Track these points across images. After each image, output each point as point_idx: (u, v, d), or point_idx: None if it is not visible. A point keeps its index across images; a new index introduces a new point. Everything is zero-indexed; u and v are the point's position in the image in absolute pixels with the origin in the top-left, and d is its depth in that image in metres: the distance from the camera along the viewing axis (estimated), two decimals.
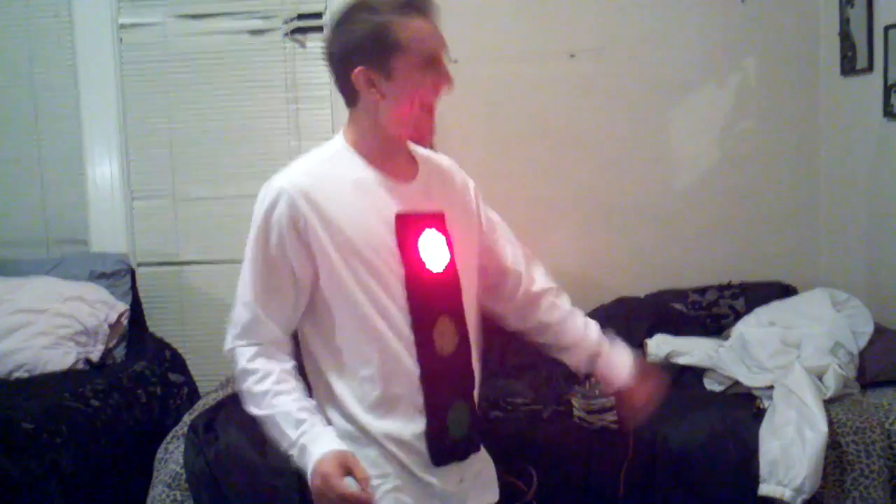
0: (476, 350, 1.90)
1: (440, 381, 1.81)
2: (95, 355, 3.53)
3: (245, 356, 1.79)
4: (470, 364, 1.87)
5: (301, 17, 4.00)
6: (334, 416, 1.82)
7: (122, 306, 3.72)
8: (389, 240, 1.78)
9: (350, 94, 1.81)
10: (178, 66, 4.06)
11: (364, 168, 1.81)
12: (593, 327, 2.12)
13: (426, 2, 1.78)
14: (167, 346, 3.85)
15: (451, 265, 1.84)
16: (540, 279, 2.10)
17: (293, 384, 1.79)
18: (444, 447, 1.82)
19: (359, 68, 1.74)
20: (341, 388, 1.81)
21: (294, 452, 1.73)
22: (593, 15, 3.91)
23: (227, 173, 4.06)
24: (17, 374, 3.38)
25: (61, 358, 3.43)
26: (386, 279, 1.77)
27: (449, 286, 1.84)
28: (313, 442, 1.72)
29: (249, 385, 1.77)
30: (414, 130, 1.82)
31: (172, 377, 3.65)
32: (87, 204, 4.09)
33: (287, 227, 1.74)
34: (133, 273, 3.94)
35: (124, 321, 3.71)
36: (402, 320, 1.78)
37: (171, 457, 2.80)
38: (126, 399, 3.28)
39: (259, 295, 1.79)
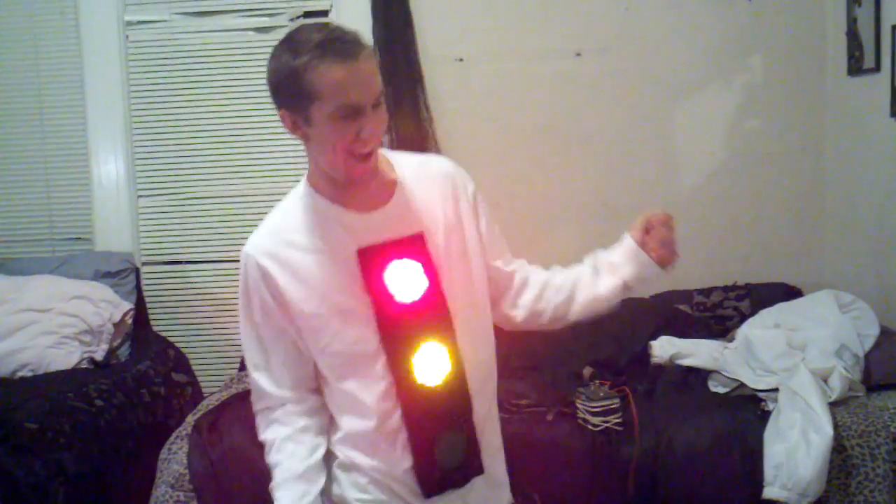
0: (483, 369, 1.84)
1: (425, 415, 1.75)
2: (99, 354, 3.53)
3: (261, 428, 1.82)
4: (465, 389, 1.77)
5: (307, 14, 4.00)
6: (337, 447, 1.82)
7: (127, 305, 3.72)
8: (355, 279, 1.70)
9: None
10: (184, 63, 4.05)
11: (325, 207, 1.74)
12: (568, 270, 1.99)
13: (348, 44, 1.60)
14: (171, 345, 3.85)
15: (432, 290, 1.74)
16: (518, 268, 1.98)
17: (290, 449, 1.78)
18: (432, 480, 1.78)
19: (282, 110, 1.67)
20: (339, 422, 1.81)
21: None
22: (600, 14, 3.90)
23: (233, 172, 4.06)
24: (21, 373, 3.39)
25: (65, 357, 3.43)
26: (358, 321, 1.71)
27: (429, 313, 1.75)
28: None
29: (266, 457, 1.81)
30: (346, 174, 1.68)
31: (176, 377, 3.65)
32: (91, 202, 4.09)
33: (262, 290, 1.72)
34: (138, 272, 3.94)
35: (128, 320, 3.71)
36: (380, 360, 1.73)
37: (175, 457, 2.80)
38: (130, 399, 3.29)
39: (258, 363, 1.79)
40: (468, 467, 1.82)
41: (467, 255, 1.81)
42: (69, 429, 2.91)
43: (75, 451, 2.88)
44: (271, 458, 1.79)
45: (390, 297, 1.71)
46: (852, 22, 3.51)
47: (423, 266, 1.74)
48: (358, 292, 1.70)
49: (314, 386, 1.82)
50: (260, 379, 1.79)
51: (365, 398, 1.74)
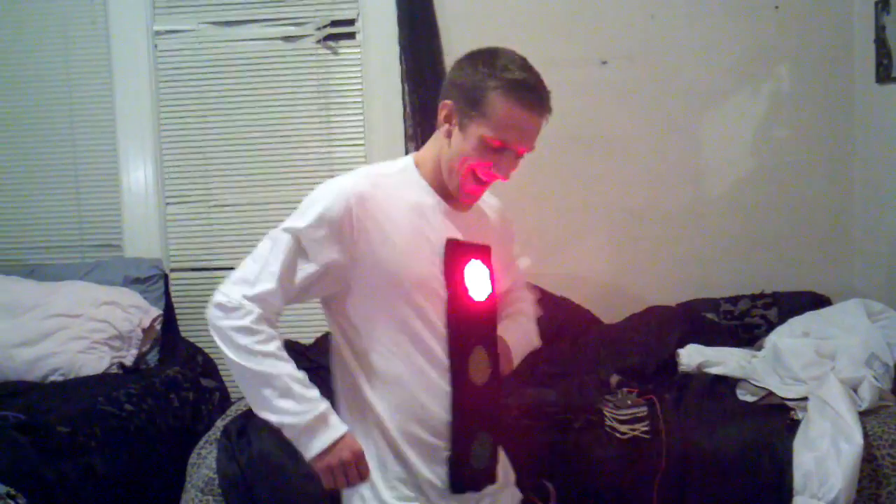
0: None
1: (470, 408, 1.82)
2: (129, 360, 3.56)
3: (250, 317, 1.78)
4: (499, 397, 1.89)
5: (334, 23, 4.01)
6: (364, 427, 1.84)
7: (156, 311, 3.75)
8: (437, 264, 1.81)
9: (437, 118, 1.87)
10: (212, 72, 4.09)
11: (424, 190, 1.86)
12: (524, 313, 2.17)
13: (541, 100, 1.80)
14: (199, 350, 3.87)
15: (493, 297, 1.88)
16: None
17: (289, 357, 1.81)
18: (463, 475, 1.83)
19: (449, 101, 1.81)
20: (375, 401, 1.83)
21: (307, 410, 1.75)
22: (625, 21, 3.90)
23: (260, 179, 4.08)
24: (52, 378, 3.42)
25: (95, 362, 3.46)
26: (427, 302, 1.81)
27: (487, 317, 1.88)
28: (333, 414, 1.78)
29: (249, 343, 1.77)
30: (458, 187, 1.83)
31: (205, 382, 3.68)
32: (121, 209, 4.12)
33: (338, 225, 1.77)
34: (166, 278, 3.97)
35: (157, 326, 3.74)
36: (438, 345, 1.81)
37: (204, 462, 2.82)
38: (159, 404, 3.31)
39: (286, 271, 1.80)
40: (488, 473, 1.89)
41: (502, 280, 2.00)
42: (100, 433, 2.93)
43: (106, 455, 2.90)
44: (273, 349, 1.78)
45: (466, 290, 1.82)
46: (880, 29, 3.50)
47: (489, 274, 1.88)
48: (435, 277, 1.81)
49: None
50: (279, 284, 1.78)
51: (415, 379, 1.81)
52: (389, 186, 1.84)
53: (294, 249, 1.80)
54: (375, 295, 1.80)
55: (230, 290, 1.81)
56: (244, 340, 1.77)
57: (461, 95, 1.79)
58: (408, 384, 1.81)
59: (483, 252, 1.89)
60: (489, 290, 1.87)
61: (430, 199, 1.86)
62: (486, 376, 1.83)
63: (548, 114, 1.82)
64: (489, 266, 1.89)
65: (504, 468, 2.01)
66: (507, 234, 2.09)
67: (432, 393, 1.81)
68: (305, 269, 1.80)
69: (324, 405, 1.78)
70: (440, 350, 1.81)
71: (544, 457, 2.69)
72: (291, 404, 1.75)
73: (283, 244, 1.80)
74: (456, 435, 1.81)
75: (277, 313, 1.83)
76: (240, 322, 1.77)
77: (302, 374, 1.79)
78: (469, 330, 1.83)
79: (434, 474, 1.83)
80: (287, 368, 1.77)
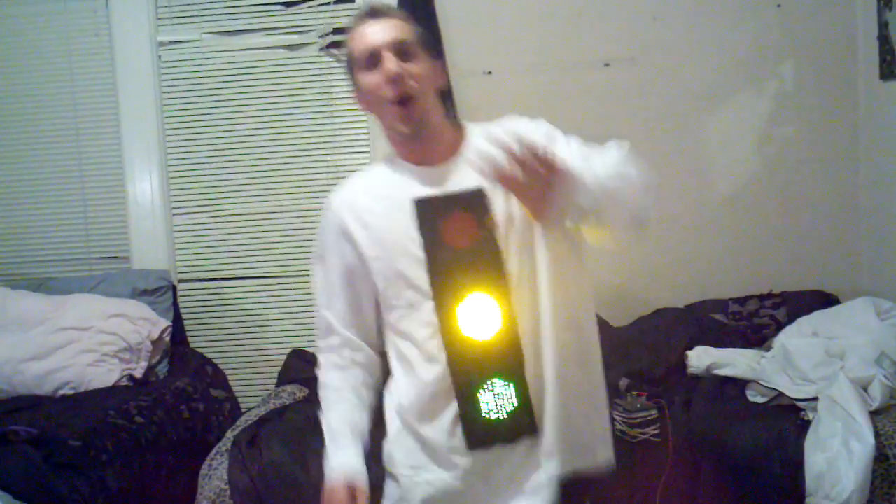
0: (545, 322, 1.78)
1: (470, 361, 1.78)
2: (139, 372, 3.57)
3: (321, 366, 1.95)
4: (516, 341, 1.77)
5: (336, 31, 4.01)
6: (390, 405, 1.92)
7: (164, 323, 3.76)
8: (409, 226, 1.79)
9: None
10: (216, 82, 4.10)
11: (398, 164, 1.90)
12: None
13: (374, 10, 1.85)
14: (209, 361, 3.88)
15: (488, 243, 1.78)
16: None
17: (345, 397, 1.90)
18: (478, 428, 1.79)
19: (353, 90, 1.90)
20: (395, 377, 1.91)
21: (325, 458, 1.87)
22: (627, 23, 3.89)
23: (266, 188, 4.09)
24: (62, 392, 3.44)
25: (105, 375, 3.47)
26: (409, 263, 1.81)
27: (478, 261, 1.78)
28: (335, 453, 1.85)
29: (320, 393, 1.94)
30: (391, 124, 1.84)
31: (215, 393, 3.68)
32: (128, 221, 4.13)
33: (338, 234, 1.88)
34: (174, 289, 3.98)
35: (166, 337, 3.75)
36: (427, 304, 1.80)
37: (216, 473, 2.83)
38: (169, 415, 3.32)
39: (326, 302, 1.93)
40: (517, 422, 1.79)
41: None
42: (111, 446, 2.94)
43: (117, 468, 2.91)
44: (326, 399, 1.92)
45: (443, 244, 1.78)
46: (883, 26, 3.49)
47: (479, 217, 1.79)
48: (413, 236, 1.80)
49: (373, 339, 1.95)
50: (327, 315, 1.93)
51: (412, 343, 1.83)
52: (369, 181, 1.92)
53: (324, 277, 1.93)
54: (377, 277, 1.86)
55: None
56: (318, 391, 1.96)
57: (349, 76, 1.89)
58: (409, 349, 1.85)
59: (465, 199, 1.80)
60: (474, 234, 1.78)
61: (401, 166, 1.89)
62: (490, 326, 1.76)
63: (392, 13, 1.87)
64: (479, 211, 1.78)
65: (562, 426, 1.80)
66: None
67: (430, 352, 1.81)
68: (334, 281, 1.91)
69: (331, 445, 1.87)
70: (429, 311, 1.80)
71: None
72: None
73: (316, 277, 1.95)
74: (457, 385, 1.78)
75: (345, 343, 1.93)
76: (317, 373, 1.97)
77: (335, 420, 1.89)
78: (455, 281, 1.77)
79: (451, 436, 1.81)
80: (328, 419, 1.90)
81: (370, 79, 1.81)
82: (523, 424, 1.80)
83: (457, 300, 1.77)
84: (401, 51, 1.79)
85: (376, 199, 1.86)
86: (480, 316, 1.76)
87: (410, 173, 1.86)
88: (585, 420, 1.85)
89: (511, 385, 1.78)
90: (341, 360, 1.93)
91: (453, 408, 1.80)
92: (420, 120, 1.81)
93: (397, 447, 1.89)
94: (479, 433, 1.79)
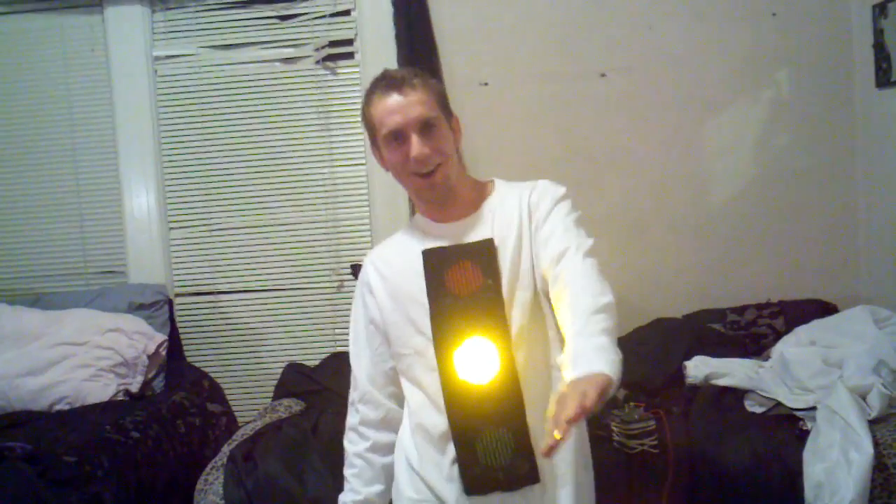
0: (541, 374, 1.84)
1: (469, 408, 1.79)
2: (135, 386, 3.56)
3: (348, 419, 2.07)
4: (516, 388, 1.78)
5: (332, 44, 4.02)
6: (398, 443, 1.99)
7: (161, 337, 3.75)
8: (421, 275, 1.85)
9: None
10: (212, 96, 4.10)
11: (421, 222, 1.98)
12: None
13: (395, 79, 1.86)
14: (205, 375, 3.87)
15: (491, 289, 1.82)
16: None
17: (357, 469, 2.02)
18: (474, 474, 1.81)
19: (373, 149, 1.97)
20: (405, 413, 1.98)
21: None
22: (623, 34, 3.89)
23: (263, 202, 4.09)
24: (58, 407, 3.42)
25: (101, 390, 3.46)
26: (417, 313, 1.86)
27: (479, 307, 1.81)
28: None
29: (345, 456, 2.07)
30: (414, 191, 1.93)
31: (211, 407, 3.67)
32: (124, 235, 4.12)
33: (365, 291, 1.99)
34: (171, 303, 3.97)
35: (163, 352, 3.73)
36: (430, 351, 1.84)
37: (211, 487, 2.81)
38: (166, 430, 3.30)
39: (355, 352, 2.03)
40: (516, 470, 1.80)
41: (530, 261, 1.88)
42: (107, 461, 2.92)
43: (113, 484, 2.88)
44: (348, 467, 2.04)
45: (446, 291, 1.83)
46: (879, 33, 3.49)
47: (485, 267, 1.83)
48: (423, 285, 1.85)
49: (396, 391, 1.99)
50: (354, 369, 2.03)
51: (418, 388, 1.89)
52: (398, 239, 2.01)
53: (352, 326, 2.04)
54: (387, 324, 1.95)
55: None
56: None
57: (368, 135, 1.95)
58: (414, 395, 1.91)
59: (472, 249, 1.85)
60: (480, 282, 1.83)
61: (422, 223, 1.97)
62: (488, 371, 1.77)
63: (413, 85, 1.86)
64: (485, 259, 1.82)
65: (560, 475, 1.84)
66: (539, 209, 1.92)
67: (430, 399, 1.87)
68: (360, 334, 2.02)
69: None
70: (431, 355, 1.84)
71: None
72: None
73: (350, 331, 2.05)
74: (454, 436, 1.81)
75: (365, 396, 2.01)
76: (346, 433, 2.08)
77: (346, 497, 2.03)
78: (457, 327, 1.80)
79: (450, 481, 1.84)
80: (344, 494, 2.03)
81: (395, 155, 1.87)
82: (522, 472, 1.81)
83: (455, 345, 1.79)
84: (425, 127, 1.85)
85: (397, 253, 1.96)
86: (478, 360, 1.78)
87: (430, 229, 1.95)
88: (585, 472, 1.94)
89: (510, 432, 1.79)
90: (363, 428, 2.02)
91: (452, 452, 1.83)
92: (443, 185, 1.89)
93: (404, 485, 1.94)
94: (477, 479, 1.81)
